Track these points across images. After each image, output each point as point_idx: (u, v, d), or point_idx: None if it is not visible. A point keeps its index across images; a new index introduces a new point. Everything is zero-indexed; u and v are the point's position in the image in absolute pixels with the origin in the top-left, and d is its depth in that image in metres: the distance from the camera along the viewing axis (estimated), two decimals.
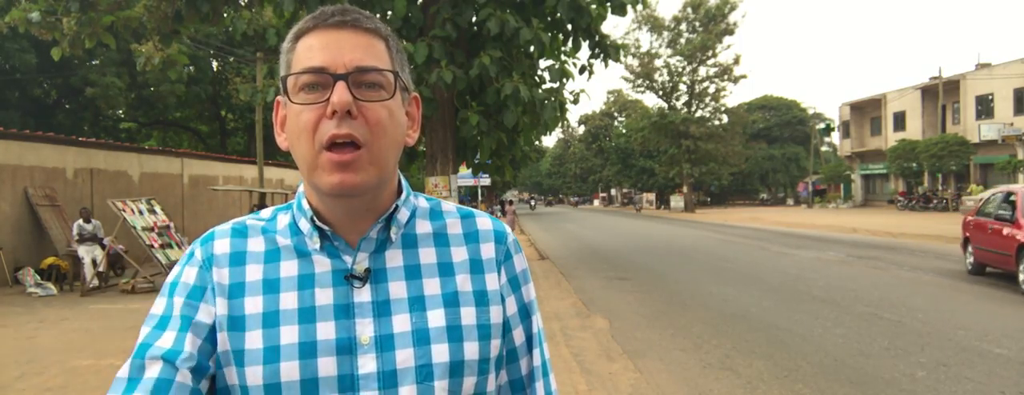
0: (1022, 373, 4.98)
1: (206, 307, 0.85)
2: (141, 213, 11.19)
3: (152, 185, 15.05)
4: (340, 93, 0.79)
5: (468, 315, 0.88)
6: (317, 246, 0.87)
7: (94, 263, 10.53)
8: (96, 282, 10.49)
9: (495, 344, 0.90)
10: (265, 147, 19.69)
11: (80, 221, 10.92)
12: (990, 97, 33.99)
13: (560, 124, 10.88)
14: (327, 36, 0.83)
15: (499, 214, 27.31)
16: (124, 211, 10.66)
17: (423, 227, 0.93)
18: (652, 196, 58.17)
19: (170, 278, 0.89)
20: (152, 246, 10.74)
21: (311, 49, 0.82)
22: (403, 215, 0.91)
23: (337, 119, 0.80)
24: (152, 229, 11.09)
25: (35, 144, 12.03)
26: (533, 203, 72.36)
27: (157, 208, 11.78)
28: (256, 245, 0.89)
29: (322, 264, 0.87)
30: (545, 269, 12.59)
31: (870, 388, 4.74)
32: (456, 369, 0.85)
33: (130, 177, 14.58)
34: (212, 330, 0.84)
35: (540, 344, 0.99)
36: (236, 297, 0.85)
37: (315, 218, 0.87)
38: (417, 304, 0.86)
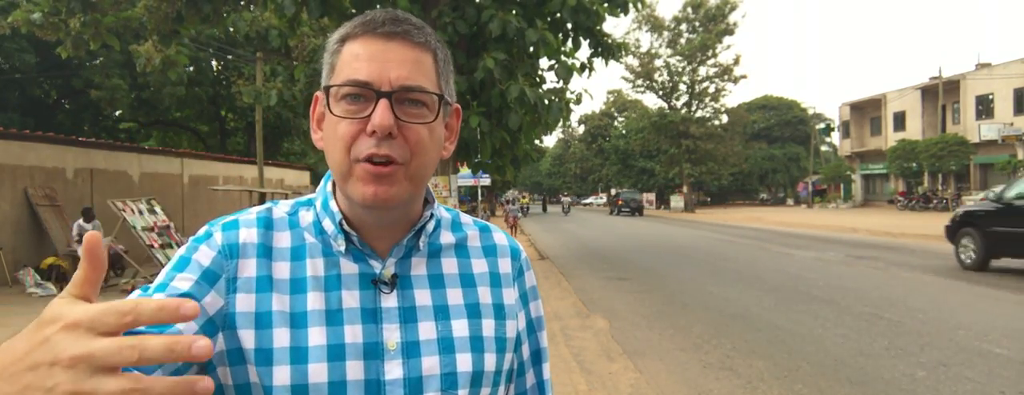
0: (1022, 373, 4.99)
1: (214, 297, 0.79)
2: (141, 213, 11.19)
3: (152, 185, 15.04)
4: (382, 114, 0.77)
5: (488, 327, 0.89)
6: (342, 248, 0.86)
7: None
8: None
9: (509, 357, 0.92)
10: (265, 147, 19.69)
11: (81, 221, 10.91)
12: (990, 97, 34.02)
13: (561, 123, 10.87)
14: (375, 46, 0.80)
15: (521, 214, 27.43)
16: (124, 211, 10.67)
17: (446, 238, 0.93)
18: (652, 196, 58.24)
19: (179, 253, 0.83)
20: (152, 246, 10.75)
21: (358, 58, 0.80)
22: (431, 225, 0.90)
23: (377, 139, 0.78)
24: (152, 229, 11.09)
25: (35, 144, 12.02)
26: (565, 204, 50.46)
27: (157, 208, 11.79)
28: (282, 240, 0.86)
29: (348, 267, 0.85)
30: (545, 269, 12.58)
31: (870, 388, 4.74)
32: (477, 379, 0.85)
33: (130, 177, 14.58)
34: (211, 323, 0.78)
35: (545, 360, 1.01)
36: (264, 292, 0.81)
37: (343, 222, 0.85)
38: (442, 313, 0.86)
